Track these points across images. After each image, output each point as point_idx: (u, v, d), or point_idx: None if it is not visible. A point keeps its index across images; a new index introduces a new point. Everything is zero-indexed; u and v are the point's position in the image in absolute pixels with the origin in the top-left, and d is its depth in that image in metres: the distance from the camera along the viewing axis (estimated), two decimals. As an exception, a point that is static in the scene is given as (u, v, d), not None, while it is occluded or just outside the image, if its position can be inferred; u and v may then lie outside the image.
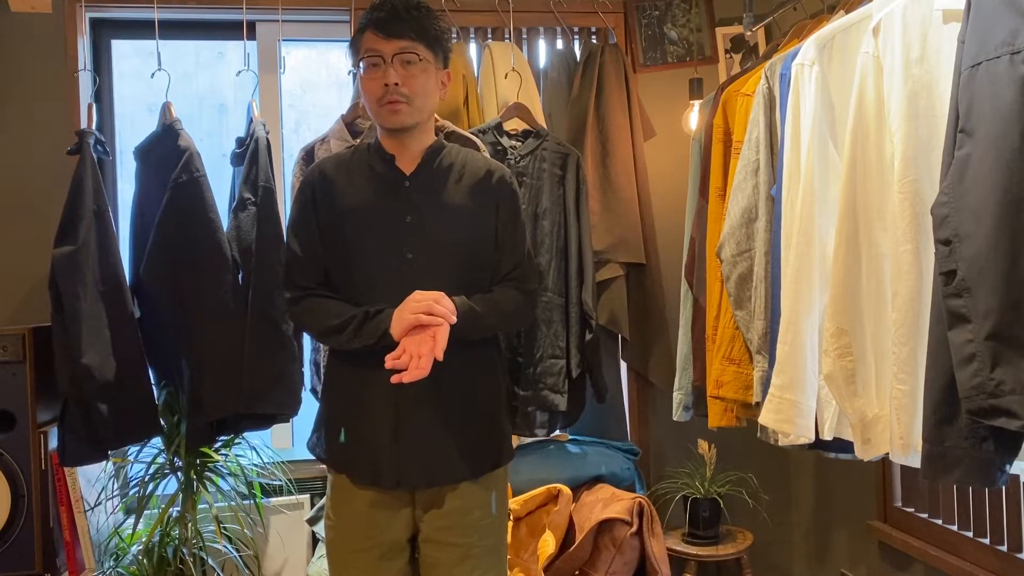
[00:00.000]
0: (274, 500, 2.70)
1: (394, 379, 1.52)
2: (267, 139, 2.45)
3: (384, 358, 1.57)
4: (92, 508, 2.42)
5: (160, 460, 2.50)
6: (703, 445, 2.77)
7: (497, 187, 1.77)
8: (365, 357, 1.66)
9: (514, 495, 2.49)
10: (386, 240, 1.68)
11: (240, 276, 2.39)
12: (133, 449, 2.51)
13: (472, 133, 2.53)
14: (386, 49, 1.65)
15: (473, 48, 2.88)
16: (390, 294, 1.65)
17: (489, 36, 2.91)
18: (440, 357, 1.55)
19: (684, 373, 2.47)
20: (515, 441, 2.63)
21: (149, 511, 2.52)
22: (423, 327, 1.57)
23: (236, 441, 2.56)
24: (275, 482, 2.64)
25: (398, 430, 1.66)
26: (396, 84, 1.64)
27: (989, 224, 1.24)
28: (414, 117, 1.69)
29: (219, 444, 2.51)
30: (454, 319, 1.58)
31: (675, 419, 2.49)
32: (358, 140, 2.45)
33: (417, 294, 1.60)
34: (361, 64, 1.68)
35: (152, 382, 2.44)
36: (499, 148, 2.59)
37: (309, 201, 1.76)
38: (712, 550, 2.66)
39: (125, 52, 2.92)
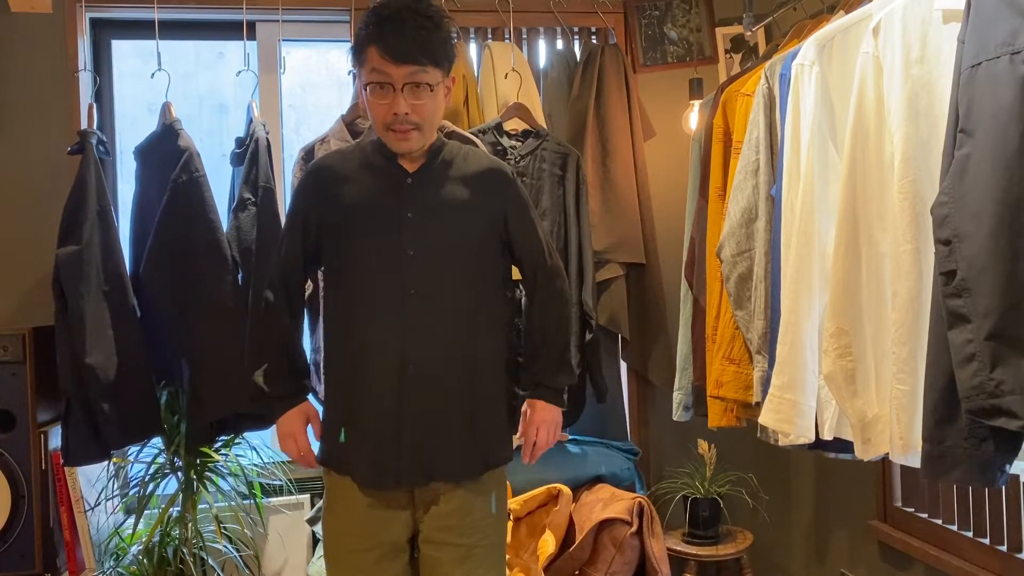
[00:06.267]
0: (274, 500, 2.70)
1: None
2: (267, 139, 2.45)
3: (386, 362, 1.63)
4: (92, 508, 2.42)
5: (160, 460, 2.50)
6: (703, 445, 2.76)
7: (502, 186, 1.76)
8: (366, 358, 1.67)
9: (514, 495, 2.48)
10: (386, 237, 1.68)
11: (240, 276, 2.39)
12: (133, 449, 2.51)
13: (472, 133, 2.53)
14: (395, 74, 1.60)
15: (473, 48, 2.88)
16: (391, 292, 1.66)
17: (489, 36, 2.91)
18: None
19: (684, 373, 2.47)
20: (515, 441, 2.64)
21: (149, 511, 2.52)
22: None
23: (236, 441, 2.56)
24: (275, 482, 2.64)
25: (401, 429, 1.65)
26: (406, 113, 1.62)
27: (989, 224, 1.24)
28: (422, 141, 1.68)
29: (219, 444, 2.50)
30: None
31: (675, 419, 2.49)
32: (358, 140, 2.45)
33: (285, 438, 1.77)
34: (366, 87, 1.64)
35: (153, 382, 2.44)
36: (499, 148, 2.59)
37: (303, 199, 1.78)
38: (712, 550, 2.66)
39: (125, 52, 2.92)
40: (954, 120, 1.32)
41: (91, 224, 2.28)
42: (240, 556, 2.56)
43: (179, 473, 2.48)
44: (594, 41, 2.99)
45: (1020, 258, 1.21)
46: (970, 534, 2.21)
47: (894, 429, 1.51)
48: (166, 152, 2.40)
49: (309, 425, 1.78)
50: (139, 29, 2.75)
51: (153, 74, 2.55)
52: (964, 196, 1.28)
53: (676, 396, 2.50)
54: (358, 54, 1.66)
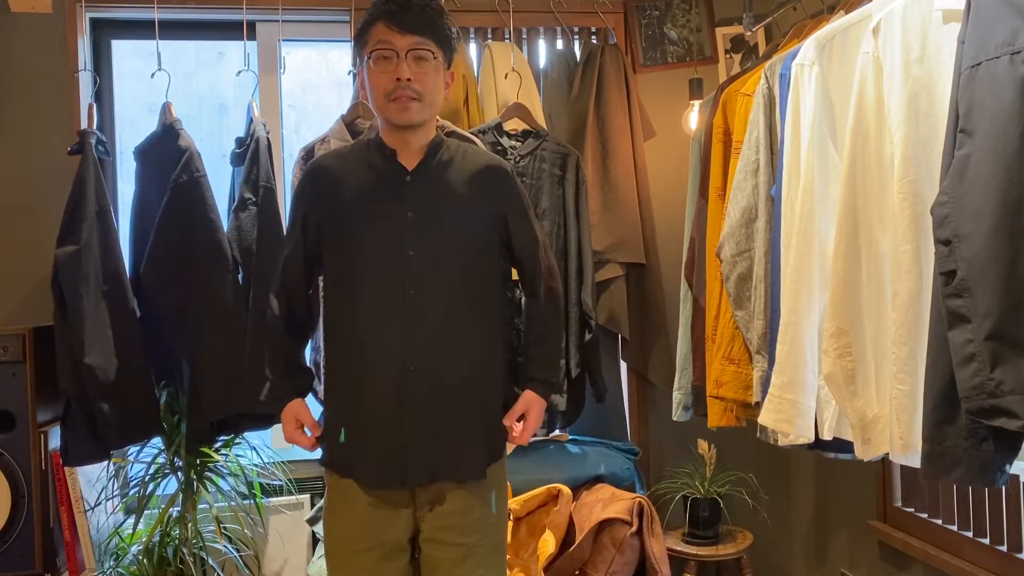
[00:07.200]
0: (274, 500, 2.71)
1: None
2: (267, 139, 2.45)
3: (387, 362, 1.63)
4: (92, 508, 2.42)
5: (160, 460, 2.50)
6: (703, 445, 2.77)
7: (501, 184, 1.77)
8: (367, 358, 1.67)
9: (514, 495, 2.48)
10: (387, 237, 1.68)
11: (240, 276, 2.39)
12: (133, 449, 2.51)
13: (472, 133, 2.53)
14: (399, 43, 1.63)
15: (473, 48, 2.88)
16: (391, 292, 1.65)
17: (489, 36, 2.91)
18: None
19: (684, 373, 2.47)
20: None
21: (149, 511, 2.52)
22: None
23: (236, 441, 2.56)
24: (275, 482, 2.64)
25: (403, 429, 1.65)
26: (408, 80, 1.63)
27: (989, 224, 1.24)
28: (423, 114, 1.68)
29: (219, 444, 2.51)
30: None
31: (675, 419, 2.50)
32: (356, 140, 2.45)
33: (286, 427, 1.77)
34: (369, 57, 1.66)
35: (153, 382, 2.44)
36: (499, 148, 2.59)
37: (302, 201, 1.78)
38: (712, 550, 2.66)
39: (125, 52, 2.92)
40: (954, 120, 1.32)
41: (90, 224, 2.28)
42: (240, 556, 2.57)
43: (179, 473, 2.48)
44: (594, 41, 2.99)
45: (1020, 258, 1.21)
46: (970, 534, 2.21)
47: (894, 429, 1.51)
48: (166, 152, 2.40)
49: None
50: (139, 29, 2.75)
51: (153, 74, 2.55)
52: (964, 196, 1.28)
53: (676, 396, 2.50)
54: (362, 35, 1.68)
